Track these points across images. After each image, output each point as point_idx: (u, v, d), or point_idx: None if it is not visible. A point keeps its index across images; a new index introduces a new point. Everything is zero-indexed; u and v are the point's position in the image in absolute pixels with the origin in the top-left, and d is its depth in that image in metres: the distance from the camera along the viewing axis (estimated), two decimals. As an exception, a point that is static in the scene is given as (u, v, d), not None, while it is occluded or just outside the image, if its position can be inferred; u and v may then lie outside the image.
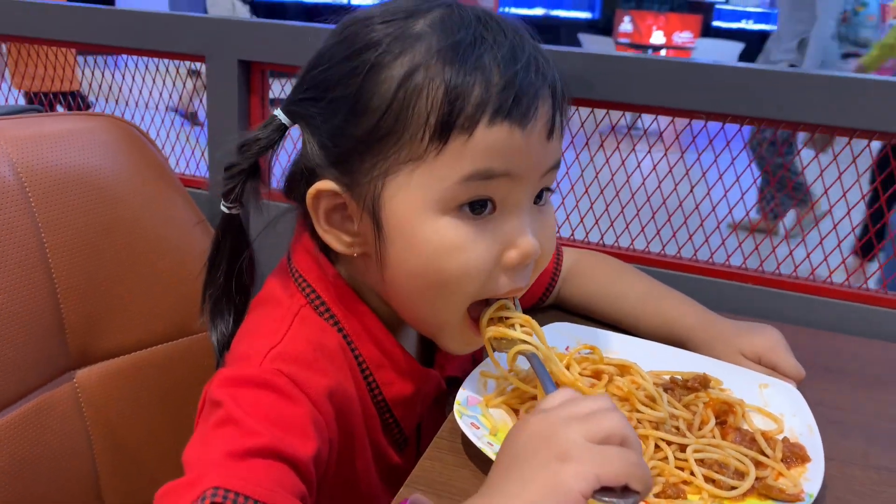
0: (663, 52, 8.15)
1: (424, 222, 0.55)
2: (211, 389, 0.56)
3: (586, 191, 0.96)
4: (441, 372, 0.69)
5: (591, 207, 0.98)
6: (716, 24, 9.51)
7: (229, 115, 1.04)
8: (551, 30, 8.87)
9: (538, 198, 0.59)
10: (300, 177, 0.60)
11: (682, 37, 8.31)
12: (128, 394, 0.83)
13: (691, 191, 0.93)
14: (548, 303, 0.84)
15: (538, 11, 9.27)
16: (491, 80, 0.52)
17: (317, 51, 0.59)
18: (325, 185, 0.57)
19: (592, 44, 7.56)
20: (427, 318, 0.61)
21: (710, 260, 0.95)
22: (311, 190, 0.58)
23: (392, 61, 0.54)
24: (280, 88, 1.07)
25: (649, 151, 0.96)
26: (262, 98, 1.06)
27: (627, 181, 0.96)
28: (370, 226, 0.57)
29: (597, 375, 0.61)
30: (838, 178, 0.89)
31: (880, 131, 0.83)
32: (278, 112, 0.60)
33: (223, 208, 0.62)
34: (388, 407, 0.64)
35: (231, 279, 0.64)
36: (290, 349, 0.57)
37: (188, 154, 1.15)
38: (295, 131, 0.61)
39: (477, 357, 0.68)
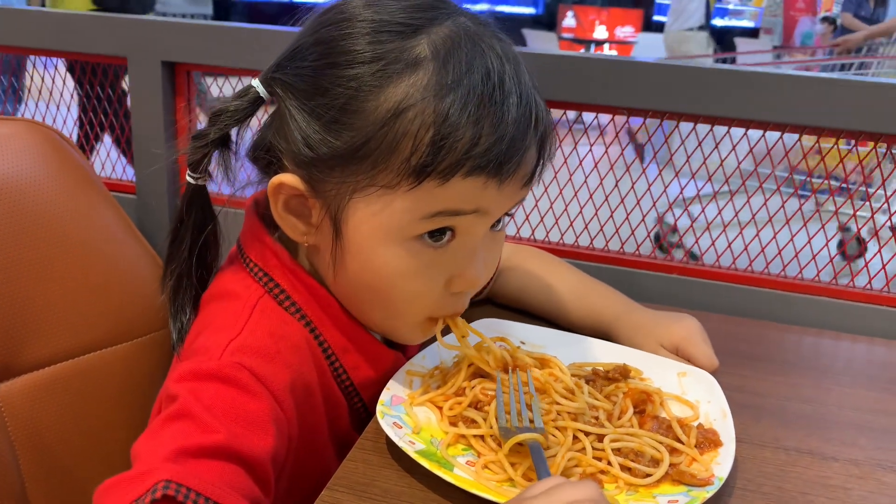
0: (606, 47, 8.28)
1: (384, 245, 0.55)
2: (169, 384, 0.54)
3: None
4: (403, 353, 0.69)
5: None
6: (657, 18, 9.71)
7: (154, 118, 1.02)
8: (496, 25, 8.90)
9: (497, 222, 0.59)
10: (266, 150, 0.59)
11: (624, 31, 8.47)
12: (54, 405, 0.81)
13: (616, 185, 0.95)
14: (483, 296, 0.85)
15: (482, 6, 9.30)
16: (481, 134, 0.51)
17: (300, 35, 0.57)
18: (289, 179, 0.57)
19: (536, 39, 7.63)
20: (377, 321, 0.63)
21: (637, 252, 0.97)
22: (275, 180, 0.57)
23: (387, 84, 0.52)
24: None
25: (575, 147, 0.97)
26: (189, 100, 1.04)
27: (555, 177, 0.98)
28: (329, 229, 0.57)
29: (513, 365, 0.62)
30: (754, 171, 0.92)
31: (810, 126, 0.86)
32: (256, 83, 0.58)
33: (189, 178, 0.60)
34: (356, 391, 0.64)
35: (195, 254, 0.63)
36: (250, 341, 0.56)
37: (114, 158, 1.12)
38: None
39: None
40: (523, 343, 0.72)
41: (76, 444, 0.82)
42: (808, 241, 0.91)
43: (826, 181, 0.89)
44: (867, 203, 0.88)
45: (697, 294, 0.94)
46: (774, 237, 0.93)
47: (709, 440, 0.59)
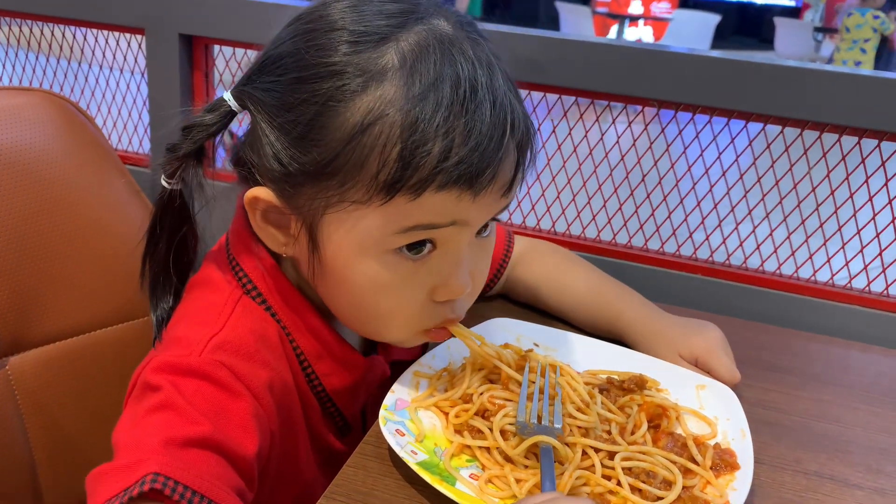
0: (641, 23, 8.08)
1: (360, 259, 0.54)
2: (146, 373, 0.54)
3: (538, 177, 0.93)
4: (386, 356, 0.67)
5: (542, 194, 0.96)
6: (694, -6, 9.45)
7: (171, 91, 1.00)
8: (529, -2, 8.75)
9: (484, 227, 0.57)
10: (246, 155, 0.58)
11: (660, 7, 8.25)
12: (64, 380, 0.80)
13: (643, 179, 0.91)
14: (495, 290, 0.82)
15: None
16: (451, 147, 0.49)
17: (273, 42, 0.55)
18: (263, 193, 0.56)
19: (570, 13, 7.47)
20: (367, 330, 0.61)
21: (661, 250, 0.94)
22: (249, 194, 0.56)
23: (351, 99, 0.50)
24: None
25: (601, 137, 0.93)
26: (206, 74, 1.01)
27: (580, 168, 0.94)
28: (307, 242, 0.56)
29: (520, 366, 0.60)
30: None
31: (833, 123, 0.82)
32: (227, 96, 0.56)
33: (164, 183, 0.59)
34: (329, 397, 0.63)
35: (171, 253, 0.61)
36: (231, 338, 0.56)
37: (130, 130, 1.10)
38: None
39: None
40: (536, 345, 0.69)
41: (83, 417, 0.82)
42: (843, 246, 0.87)
43: (866, 184, 0.84)
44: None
45: (721, 296, 0.91)
46: (807, 240, 0.89)
47: (725, 462, 0.56)
